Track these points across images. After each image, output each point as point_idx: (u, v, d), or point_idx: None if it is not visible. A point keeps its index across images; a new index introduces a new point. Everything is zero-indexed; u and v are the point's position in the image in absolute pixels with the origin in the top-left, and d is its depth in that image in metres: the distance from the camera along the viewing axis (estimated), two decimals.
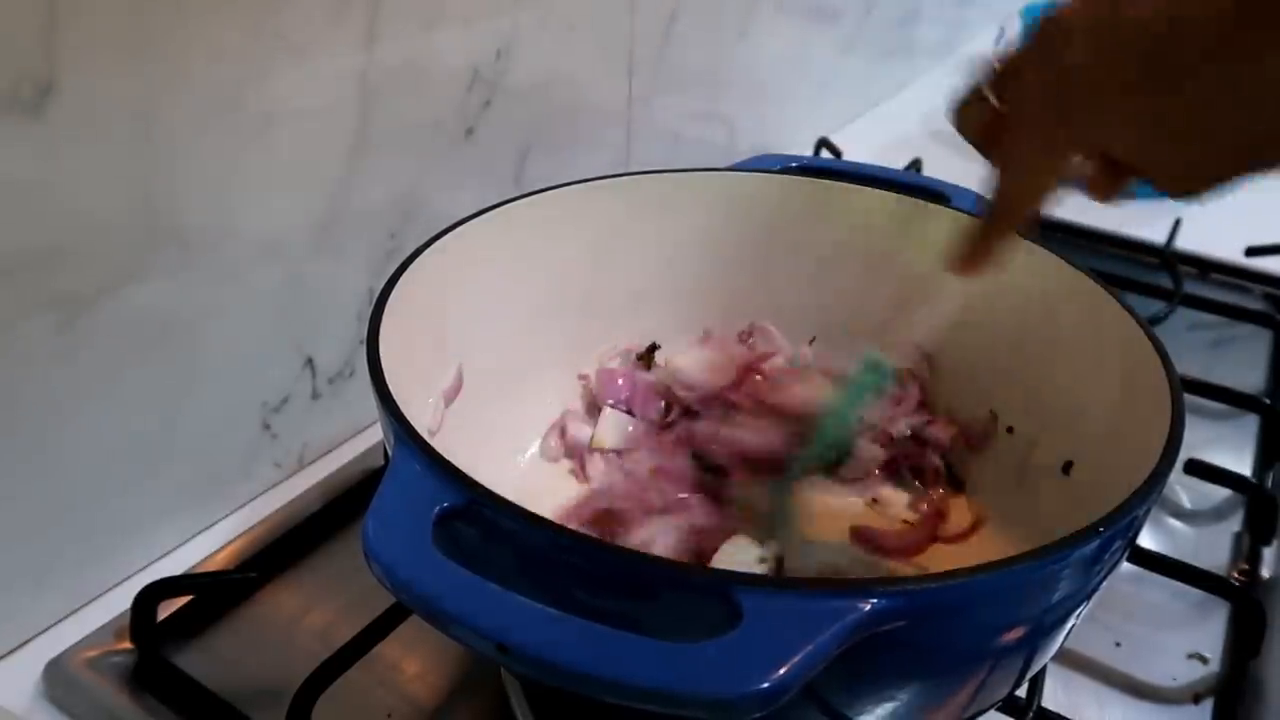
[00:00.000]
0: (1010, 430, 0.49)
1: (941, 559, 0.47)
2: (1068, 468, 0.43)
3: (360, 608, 0.43)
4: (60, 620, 0.46)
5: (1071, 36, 0.32)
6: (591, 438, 0.52)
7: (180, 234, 0.45)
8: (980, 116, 0.36)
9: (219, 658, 0.44)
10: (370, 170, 0.53)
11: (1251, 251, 0.82)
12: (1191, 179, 0.32)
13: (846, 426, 0.49)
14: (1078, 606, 0.32)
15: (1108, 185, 0.36)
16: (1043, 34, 0.33)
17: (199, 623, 0.46)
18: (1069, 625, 0.33)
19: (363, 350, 0.37)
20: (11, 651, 0.44)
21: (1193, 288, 0.76)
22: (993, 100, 0.35)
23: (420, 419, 0.35)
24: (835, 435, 0.49)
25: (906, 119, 1.11)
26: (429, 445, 0.31)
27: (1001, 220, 0.38)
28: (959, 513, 0.50)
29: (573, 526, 0.47)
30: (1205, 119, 0.30)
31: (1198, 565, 0.49)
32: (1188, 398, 0.37)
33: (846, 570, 0.46)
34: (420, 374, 0.43)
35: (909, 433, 0.52)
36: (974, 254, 0.40)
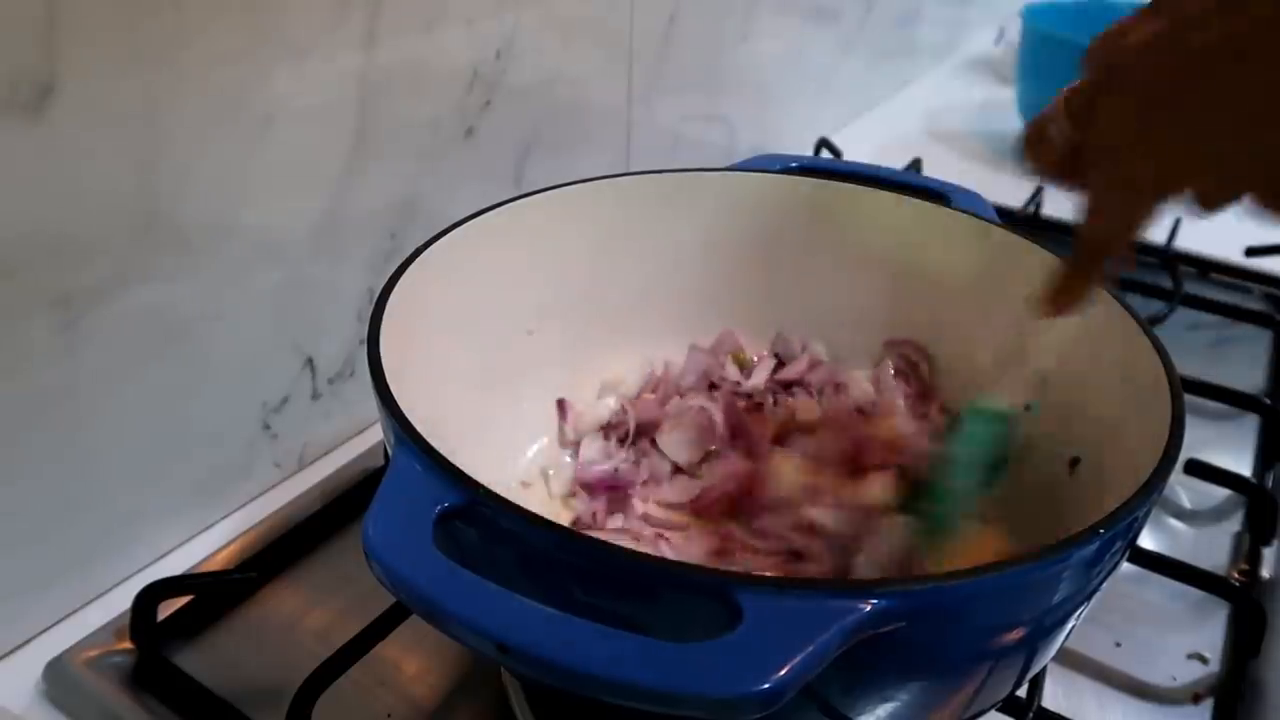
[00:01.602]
0: None
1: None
2: (1074, 463, 0.43)
3: (360, 608, 0.43)
4: (60, 620, 0.46)
5: (1149, 60, 0.30)
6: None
7: (181, 234, 0.45)
8: (1057, 149, 0.34)
9: (219, 658, 0.44)
10: (370, 170, 0.53)
11: (1251, 251, 0.82)
12: None
13: (962, 499, 0.43)
14: (1078, 607, 0.32)
15: (1210, 203, 0.34)
16: (1106, 58, 0.31)
17: (199, 623, 0.46)
18: (1069, 626, 0.33)
19: (363, 350, 0.37)
20: (11, 651, 0.44)
21: (1193, 288, 0.76)
22: (1067, 131, 0.33)
23: (420, 419, 0.35)
24: (949, 514, 0.43)
25: (906, 119, 1.11)
26: (429, 445, 0.31)
27: (1094, 259, 0.36)
28: None
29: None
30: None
31: (1198, 565, 0.49)
32: (1188, 398, 0.37)
33: None
34: (420, 374, 0.43)
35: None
36: (1066, 294, 0.38)
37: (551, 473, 0.51)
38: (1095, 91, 0.32)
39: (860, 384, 0.54)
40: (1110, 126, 0.32)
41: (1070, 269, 0.37)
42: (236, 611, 0.46)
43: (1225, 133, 0.30)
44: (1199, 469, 0.56)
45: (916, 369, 0.53)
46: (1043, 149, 0.35)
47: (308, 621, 0.46)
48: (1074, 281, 0.38)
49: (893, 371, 0.54)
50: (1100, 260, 0.36)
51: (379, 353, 0.37)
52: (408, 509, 0.29)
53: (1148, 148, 0.31)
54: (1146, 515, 0.33)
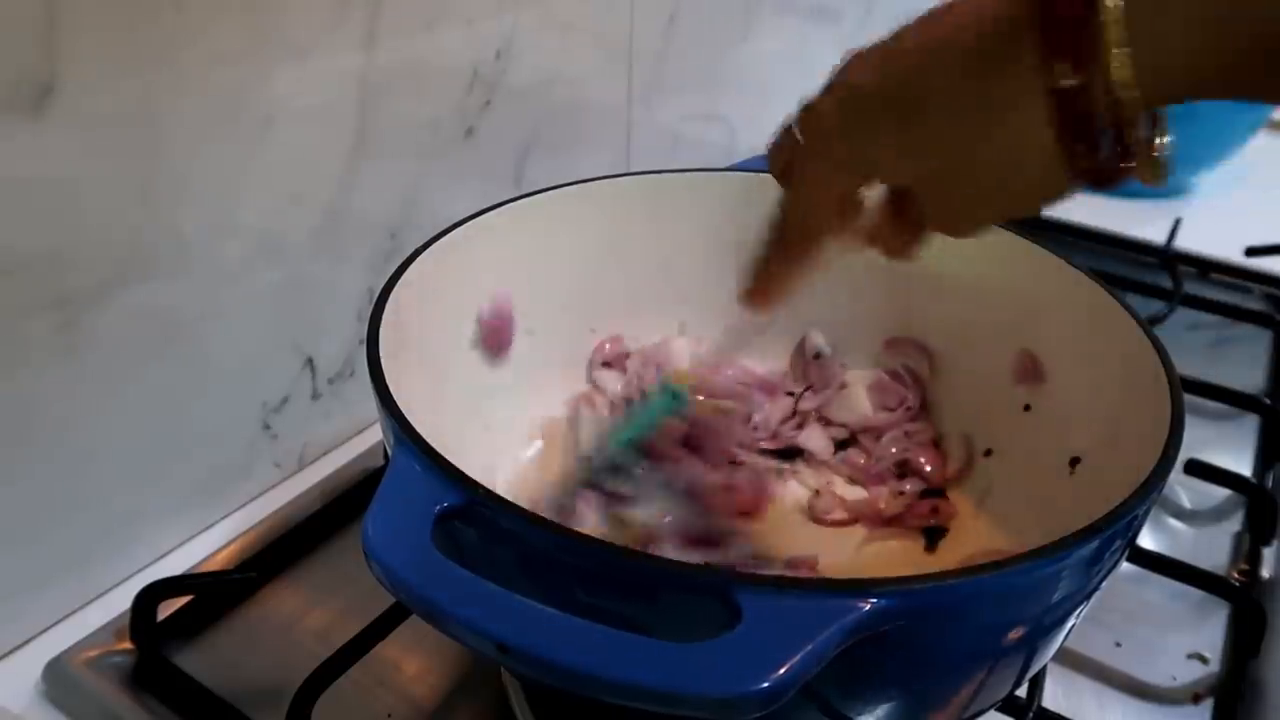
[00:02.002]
0: (988, 453, 0.50)
1: (942, 557, 0.47)
2: (1074, 463, 0.43)
3: (360, 608, 0.43)
4: (60, 620, 0.46)
5: (863, 64, 0.33)
6: None
7: (180, 234, 0.45)
8: (786, 153, 0.36)
9: (219, 658, 0.44)
10: (370, 170, 0.53)
11: (1251, 251, 0.82)
12: (956, 220, 0.33)
13: (619, 449, 0.47)
14: (1078, 606, 0.32)
15: (895, 236, 0.36)
16: (841, 65, 0.34)
17: (199, 623, 0.46)
18: (1069, 625, 0.33)
19: (363, 350, 0.37)
20: (11, 651, 0.44)
21: (1193, 288, 0.76)
22: (797, 134, 0.36)
23: (420, 419, 0.35)
24: (602, 456, 0.48)
25: None
26: (429, 445, 0.31)
27: (787, 249, 0.38)
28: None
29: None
30: (958, 161, 0.31)
31: (1198, 565, 0.49)
32: (1188, 398, 0.37)
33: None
34: (420, 374, 0.43)
35: (896, 454, 0.52)
36: (761, 287, 0.39)
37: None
38: (822, 93, 0.35)
39: (858, 387, 0.54)
40: (822, 117, 0.34)
41: (770, 261, 0.39)
42: (236, 611, 0.46)
43: (911, 144, 0.32)
44: (1199, 469, 0.56)
45: (915, 373, 0.53)
46: (774, 153, 0.37)
47: (308, 621, 0.46)
48: (774, 273, 0.39)
49: (888, 376, 0.54)
50: (800, 251, 0.38)
51: (379, 353, 0.37)
52: (407, 509, 0.29)
53: (849, 138, 0.33)
54: (1146, 514, 0.33)
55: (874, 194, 0.36)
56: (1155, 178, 0.29)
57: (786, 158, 0.36)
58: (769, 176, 0.54)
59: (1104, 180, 0.29)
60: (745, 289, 0.40)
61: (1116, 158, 0.28)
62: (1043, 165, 0.29)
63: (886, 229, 0.37)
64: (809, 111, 0.35)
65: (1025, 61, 0.28)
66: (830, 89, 0.34)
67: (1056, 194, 0.31)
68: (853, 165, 0.34)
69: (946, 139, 0.31)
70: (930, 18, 0.31)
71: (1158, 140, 0.29)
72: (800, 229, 0.37)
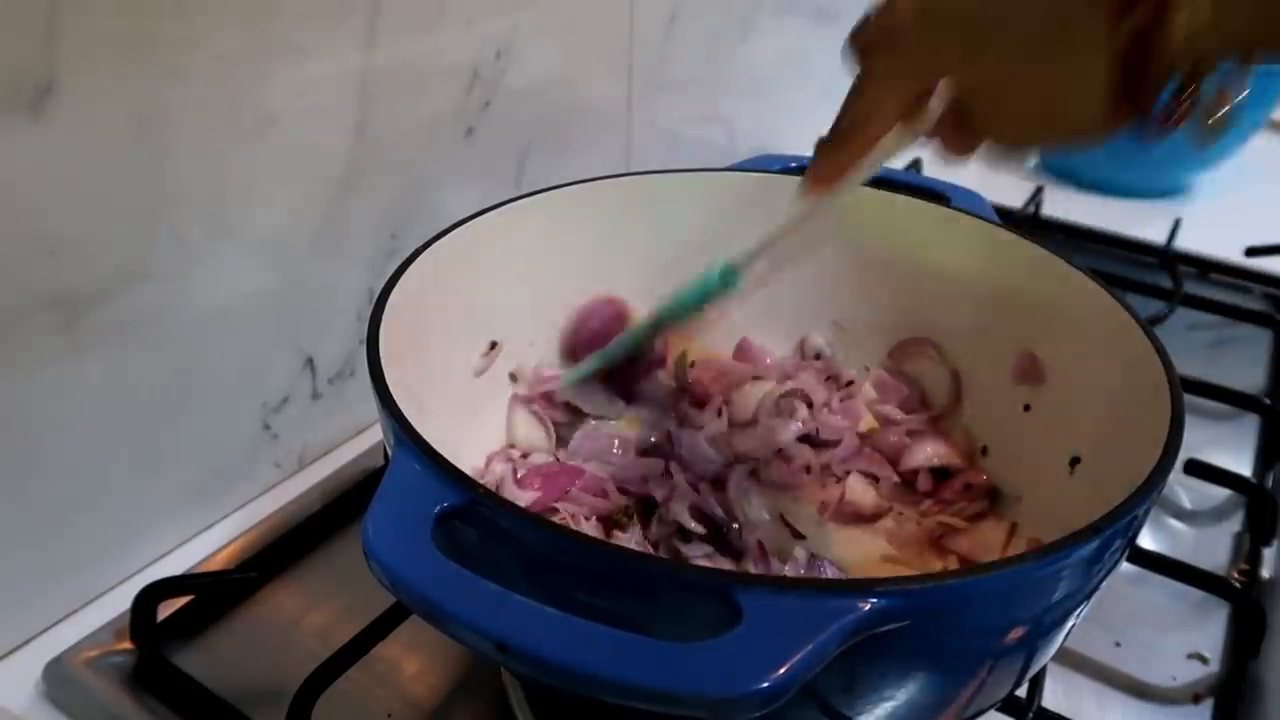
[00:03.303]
0: (985, 451, 0.50)
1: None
2: (1074, 463, 0.43)
3: (360, 608, 0.43)
4: (60, 620, 0.46)
5: None
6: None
7: (180, 234, 0.45)
8: (863, 42, 0.38)
9: (219, 658, 0.44)
10: (370, 170, 0.53)
11: (1251, 251, 0.82)
12: (1007, 136, 0.36)
13: (671, 321, 0.48)
14: (1078, 606, 0.32)
15: (956, 137, 0.38)
16: None
17: (199, 623, 0.46)
18: (1069, 625, 0.33)
19: (363, 350, 0.37)
20: (11, 651, 0.44)
21: (1193, 288, 0.76)
22: (872, 29, 0.37)
23: (420, 419, 0.35)
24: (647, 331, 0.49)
25: None
26: (429, 445, 0.31)
27: (845, 139, 0.39)
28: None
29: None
30: (1018, 82, 0.33)
31: (1198, 565, 0.49)
32: (1188, 398, 0.37)
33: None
34: (420, 374, 0.43)
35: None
36: (820, 174, 0.41)
37: None
38: None
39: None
40: (899, 17, 0.36)
41: (831, 145, 0.40)
42: (236, 611, 0.46)
43: (980, 64, 0.34)
44: (1199, 469, 0.56)
45: (914, 378, 0.54)
46: (854, 39, 0.38)
47: (308, 621, 0.46)
48: (834, 158, 0.40)
49: (888, 375, 0.54)
50: (857, 143, 0.39)
51: (379, 353, 0.37)
52: (407, 509, 0.29)
53: (920, 44, 0.36)
54: (1146, 514, 0.33)
55: (936, 99, 0.37)
56: (1205, 136, 0.31)
57: (863, 46, 0.38)
58: (768, 176, 0.55)
59: (1153, 126, 0.31)
60: (805, 175, 0.41)
61: (1174, 106, 0.30)
62: (1098, 101, 0.32)
63: (947, 130, 0.38)
64: (887, 10, 0.36)
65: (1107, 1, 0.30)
66: None
67: (1105, 131, 0.33)
68: (918, 69, 0.36)
69: (1012, 61, 0.33)
70: None
71: (1219, 96, 0.31)
72: (860, 120, 0.38)
